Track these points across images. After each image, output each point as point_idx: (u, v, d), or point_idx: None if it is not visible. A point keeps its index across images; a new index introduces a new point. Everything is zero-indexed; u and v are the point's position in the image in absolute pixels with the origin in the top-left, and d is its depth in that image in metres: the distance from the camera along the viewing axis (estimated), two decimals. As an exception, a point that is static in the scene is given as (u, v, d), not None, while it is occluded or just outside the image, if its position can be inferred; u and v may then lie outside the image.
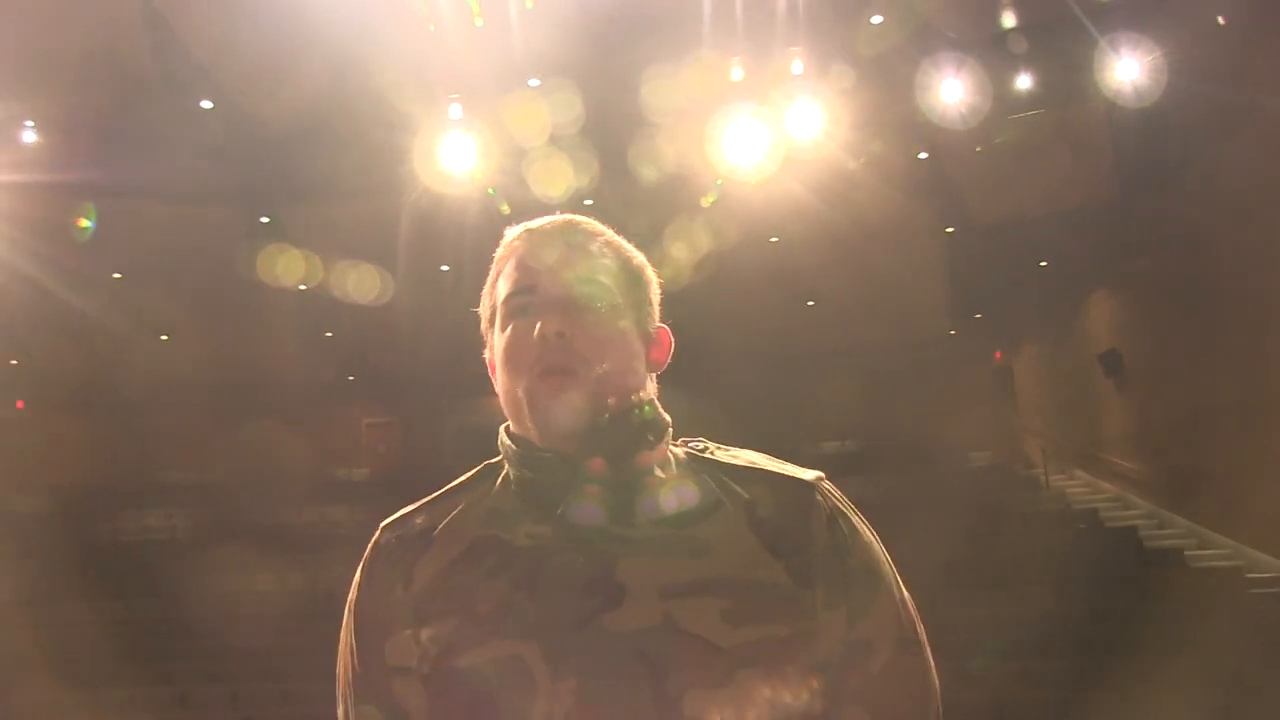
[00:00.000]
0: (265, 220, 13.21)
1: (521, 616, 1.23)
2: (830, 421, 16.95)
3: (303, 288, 14.60)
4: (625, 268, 1.37)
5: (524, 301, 1.34)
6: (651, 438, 1.32)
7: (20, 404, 17.23)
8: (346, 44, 11.81)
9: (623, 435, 1.29)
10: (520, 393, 1.31)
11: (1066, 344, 15.52)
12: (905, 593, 1.32)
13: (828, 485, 1.33)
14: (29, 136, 12.84)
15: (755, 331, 15.46)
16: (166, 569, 13.82)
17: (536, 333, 1.29)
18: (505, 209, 13.34)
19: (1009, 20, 11.96)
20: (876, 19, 10.89)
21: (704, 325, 15.40)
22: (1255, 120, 10.75)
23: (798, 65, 12.86)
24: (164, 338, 16.17)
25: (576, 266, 1.34)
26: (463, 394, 17.84)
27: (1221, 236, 11.78)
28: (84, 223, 13.30)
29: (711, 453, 1.37)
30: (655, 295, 1.41)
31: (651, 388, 1.37)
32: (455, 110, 12.99)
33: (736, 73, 12.94)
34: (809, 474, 1.33)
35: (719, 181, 13.32)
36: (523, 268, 1.36)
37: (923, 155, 12.58)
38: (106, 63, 11.44)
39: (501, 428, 1.38)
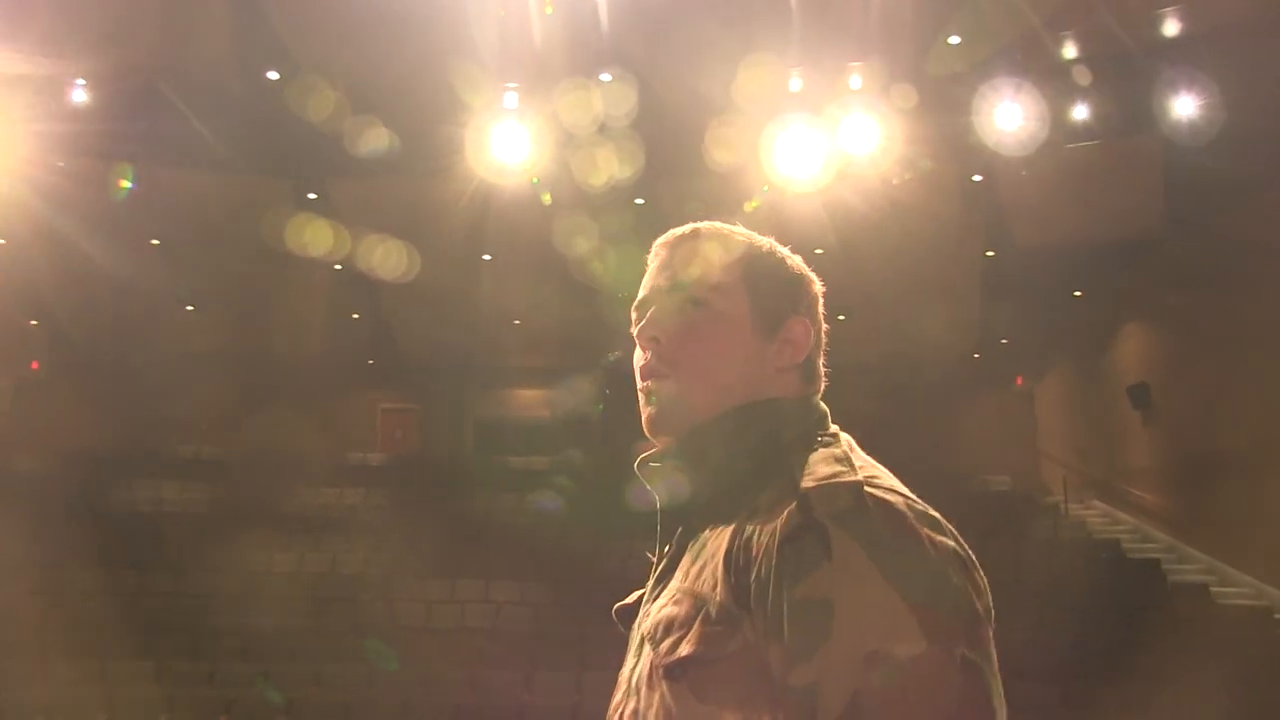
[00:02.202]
0: (312, 196, 13.12)
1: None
2: (851, 436, 17.04)
3: (338, 267, 14.51)
4: (734, 266, 1.36)
5: (639, 313, 1.38)
6: (749, 440, 1.28)
7: (36, 365, 17.02)
8: (411, 23, 11.80)
9: (713, 438, 1.29)
10: (639, 394, 1.35)
11: (1093, 374, 15.66)
12: (910, 653, 1.02)
13: (826, 493, 1.12)
14: (79, 95, 12.73)
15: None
16: (182, 543, 13.70)
17: (638, 340, 1.36)
18: (547, 199, 13.37)
19: (1070, 51, 12.06)
20: (954, 39, 10.94)
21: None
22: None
23: (856, 80, 12.95)
24: (190, 308, 16.01)
25: (670, 273, 1.37)
26: (482, 385, 17.82)
27: (1257, 279, 11.94)
28: (124, 184, 13.17)
29: (815, 460, 1.22)
30: (786, 289, 1.39)
31: (784, 385, 1.34)
32: (511, 99, 12.98)
33: (795, 83, 13.01)
34: (822, 481, 1.15)
35: (765, 188, 13.37)
36: (644, 280, 1.42)
37: (977, 178, 12.64)
38: (170, 22, 11.36)
39: None
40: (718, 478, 1.27)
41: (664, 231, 1.45)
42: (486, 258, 13.88)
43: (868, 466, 1.20)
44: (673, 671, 1.15)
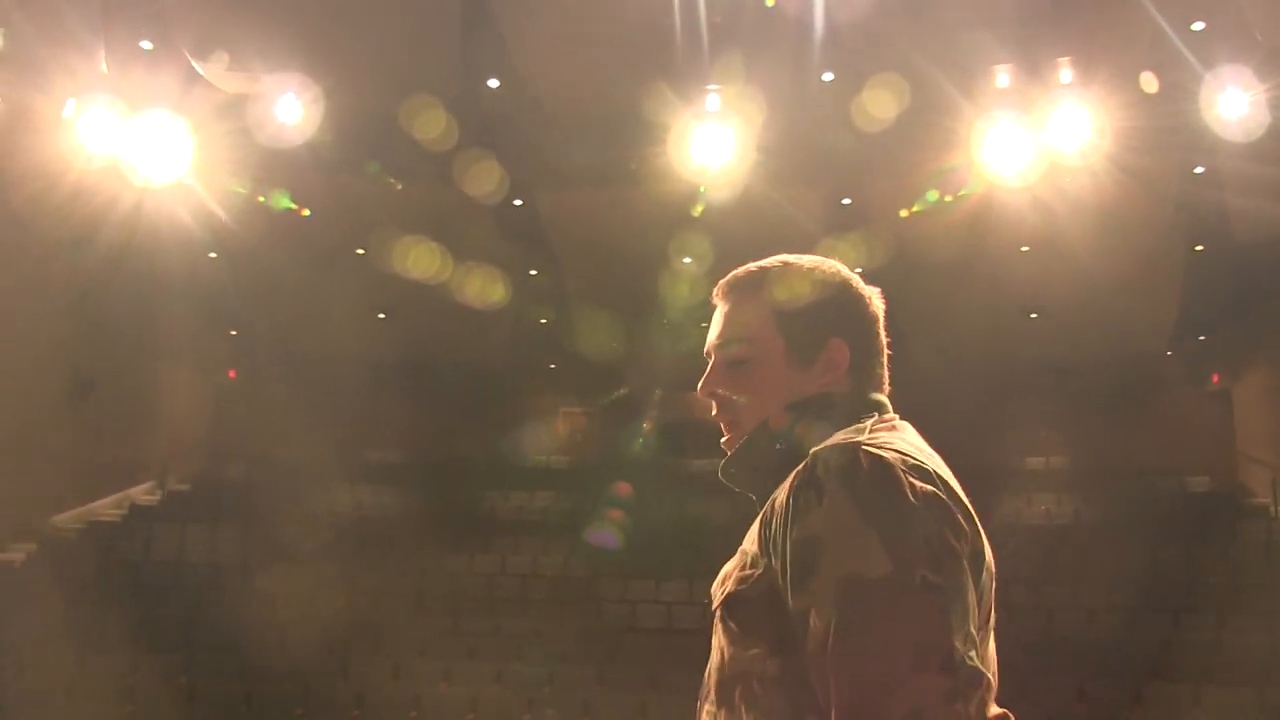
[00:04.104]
0: (517, 203, 13.29)
1: None
2: (1038, 437, 16.76)
3: (533, 273, 14.69)
4: (767, 313, 1.55)
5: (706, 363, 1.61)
6: (780, 449, 1.47)
7: (232, 374, 17.57)
8: (619, 28, 11.89)
9: (754, 454, 1.52)
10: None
11: (1304, 372, 15.14)
12: (876, 575, 1.20)
13: (829, 453, 1.31)
14: (289, 111, 13.02)
15: (977, 339, 15.28)
16: (386, 545, 13.94)
17: (702, 394, 1.60)
18: (699, 210, 13.37)
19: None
20: (1198, 25, 10.65)
21: (925, 329, 15.31)
22: None
23: (1066, 74, 12.72)
24: (381, 316, 16.35)
25: (718, 330, 1.59)
26: (664, 387, 17.89)
27: None
28: (306, 212, 13.49)
29: (837, 433, 1.42)
30: (820, 319, 1.54)
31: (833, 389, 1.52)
32: (713, 101, 13.01)
33: (1003, 79, 12.83)
34: (828, 444, 1.35)
35: (932, 194, 13.21)
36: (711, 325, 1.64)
37: (1199, 170, 12.30)
38: (390, 34, 11.62)
39: None
40: (767, 467, 1.47)
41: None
42: (687, 260, 13.91)
43: (885, 436, 1.38)
44: (722, 611, 1.39)
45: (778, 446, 1.47)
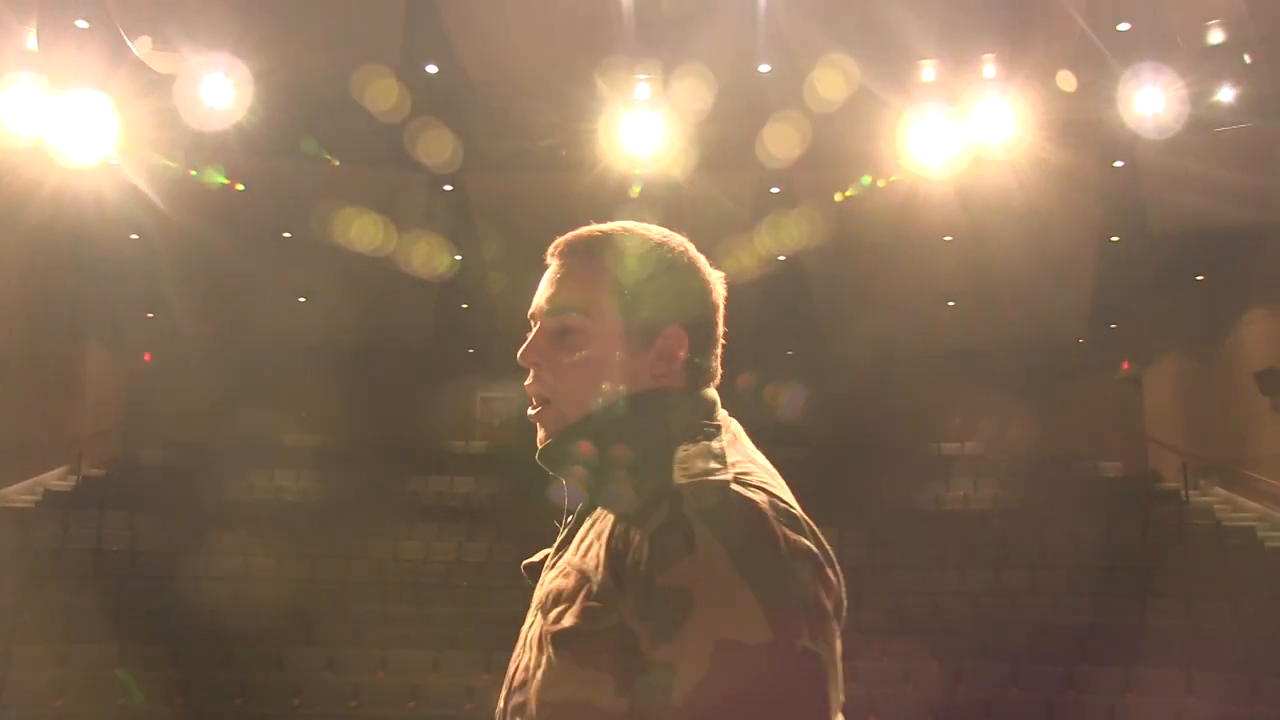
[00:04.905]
0: (447, 188, 13.14)
1: None
2: (953, 422, 17.07)
3: (458, 257, 14.54)
4: (608, 283, 1.40)
5: (529, 328, 1.45)
6: (627, 429, 1.35)
7: (148, 357, 17.16)
8: (554, 16, 11.81)
9: (580, 447, 1.37)
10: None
11: (1211, 360, 15.52)
12: (755, 642, 1.12)
13: (697, 491, 1.21)
14: (215, 91, 12.69)
15: (894, 327, 15.50)
16: (307, 530, 13.74)
17: (521, 361, 1.44)
18: (636, 191, 13.39)
19: (1215, 36, 11.99)
20: (1124, 26, 10.88)
21: (843, 316, 15.50)
22: None
23: (989, 69, 12.93)
24: (302, 300, 16.07)
25: (550, 293, 1.43)
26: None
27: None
28: (239, 186, 13.21)
29: (693, 454, 1.31)
30: (662, 300, 1.41)
31: (666, 383, 1.39)
32: (642, 90, 12.99)
33: (928, 73, 13.00)
34: (694, 478, 1.24)
35: (865, 179, 13.35)
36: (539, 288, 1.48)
37: (1118, 164, 12.58)
38: (320, 19, 11.41)
39: None
40: (598, 465, 1.35)
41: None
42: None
43: (742, 462, 1.28)
44: (557, 640, 1.25)
45: (610, 445, 1.34)
